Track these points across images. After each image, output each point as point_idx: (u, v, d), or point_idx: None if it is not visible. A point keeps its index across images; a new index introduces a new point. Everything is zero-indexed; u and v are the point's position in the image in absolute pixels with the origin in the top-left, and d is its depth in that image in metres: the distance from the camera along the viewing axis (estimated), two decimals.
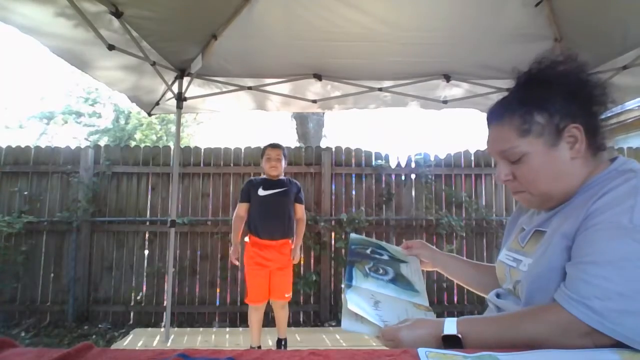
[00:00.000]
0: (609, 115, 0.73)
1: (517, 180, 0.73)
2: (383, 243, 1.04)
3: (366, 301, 0.76)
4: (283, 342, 2.75)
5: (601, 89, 0.70)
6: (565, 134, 0.69)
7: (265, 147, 2.65)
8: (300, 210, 2.70)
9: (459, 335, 0.62)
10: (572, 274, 0.61)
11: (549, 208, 0.74)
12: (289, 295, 2.63)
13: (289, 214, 2.62)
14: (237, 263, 2.62)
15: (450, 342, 0.62)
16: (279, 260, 2.55)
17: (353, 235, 1.06)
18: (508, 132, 0.72)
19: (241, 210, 2.61)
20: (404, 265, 0.95)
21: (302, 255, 3.30)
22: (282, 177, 2.67)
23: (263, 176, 2.70)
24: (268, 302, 2.63)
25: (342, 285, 0.83)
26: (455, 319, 0.66)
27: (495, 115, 0.75)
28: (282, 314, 2.70)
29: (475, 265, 1.01)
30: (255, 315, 2.60)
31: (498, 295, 0.81)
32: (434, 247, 1.07)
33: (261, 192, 2.57)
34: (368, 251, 0.97)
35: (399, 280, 0.87)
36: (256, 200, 2.57)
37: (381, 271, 0.88)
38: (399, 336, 0.66)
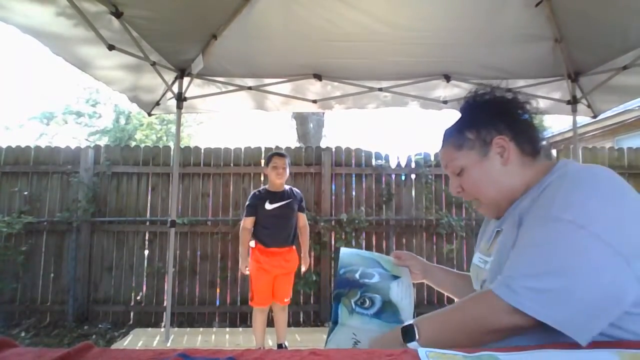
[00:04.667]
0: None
1: (465, 191, 0.85)
2: (376, 255, 1.01)
3: (346, 343, 0.82)
4: (284, 346, 2.75)
5: (519, 105, 0.84)
6: (493, 145, 0.81)
7: (271, 156, 2.64)
8: (303, 218, 2.76)
9: (415, 325, 0.70)
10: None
11: (504, 213, 0.82)
12: (288, 300, 2.70)
13: (294, 223, 2.68)
14: (247, 272, 2.63)
15: (408, 334, 0.70)
16: (283, 267, 2.62)
17: (343, 252, 1.01)
18: (448, 149, 0.86)
19: (248, 223, 2.60)
20: (395, 284, 0.93)
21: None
22: (285, 186, 2.68)
23: (265, 187, 2.69)
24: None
25: (329, 323, 0.87)
26: (414, 319, 0.75)
27: (442, 138, 0.90)
28: (282, 317, 2.73)
29: (463, 276, 1.05)
30: (260, 318, 2.64)
31: None
32: (424, 258, 1.09)
33: (268, 205, 2.58)
34: (357, 275, 0.94)
35: (386, 311, 0.87)
36: (264, 214, 2.59)
37: (367, 303, 0.88)
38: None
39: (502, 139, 0.80)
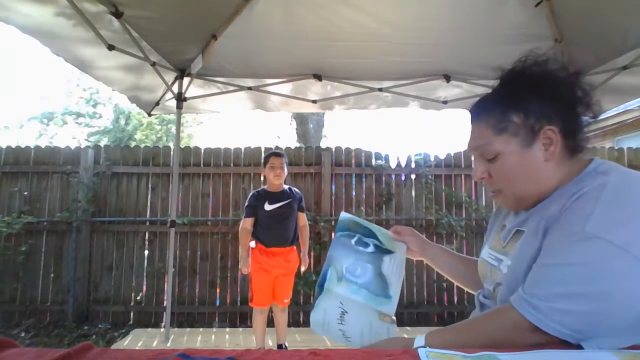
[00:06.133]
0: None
1: (492, 179, 0.74)
2: (374, 227, 0.99)
3: (333, 312, 0.81)
4: (284, 347, 2.75)
5: (583, 91, 0.71)
6: (540, 135, 0.69)
7: (269, 156, 2.63)
8: (303, 218, 2.75)
9: (428, 346, 0.64)
10: (529, 275, 0.64)
11: (525, 208, 0.75)
12: (287, 300, 2.69)
13: (294, 223, 2.67)
14: (247, 272, 2.63)
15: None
16: (284, 267, 2.61)
17: (343, 216, 0.98)
18: (485, 129, 0.73)
19: (248, 224, 2.60)
20: (388, 258, 0.92)
21: None
22: (284, 186, 2.67)
23: (264, 187, 2.69)
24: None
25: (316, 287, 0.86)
26: (424, 335, 0.67)
27: (475, 112, 0.77)
28: (282, 317, 2.73)
29: (464, 259, 1.00)
30: (260, 318, 2.64)
31: (485, 296, 0.82)
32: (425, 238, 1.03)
33: (267, 206, 2.58)
34: (353, 241, 0.93)
35: (375, 282, 0.86)
36: (263, 215, 2.58)
37: (358, 271, 0.87)
38: None
39: (552, 130, 0.68)
